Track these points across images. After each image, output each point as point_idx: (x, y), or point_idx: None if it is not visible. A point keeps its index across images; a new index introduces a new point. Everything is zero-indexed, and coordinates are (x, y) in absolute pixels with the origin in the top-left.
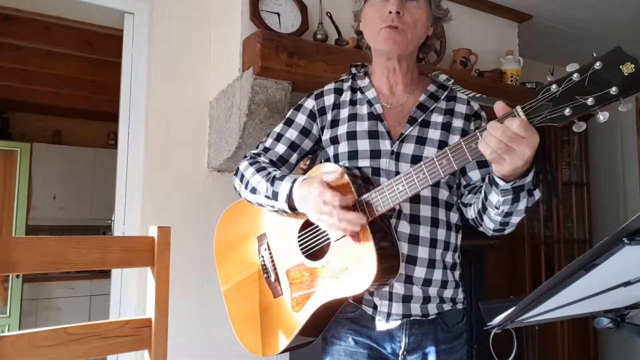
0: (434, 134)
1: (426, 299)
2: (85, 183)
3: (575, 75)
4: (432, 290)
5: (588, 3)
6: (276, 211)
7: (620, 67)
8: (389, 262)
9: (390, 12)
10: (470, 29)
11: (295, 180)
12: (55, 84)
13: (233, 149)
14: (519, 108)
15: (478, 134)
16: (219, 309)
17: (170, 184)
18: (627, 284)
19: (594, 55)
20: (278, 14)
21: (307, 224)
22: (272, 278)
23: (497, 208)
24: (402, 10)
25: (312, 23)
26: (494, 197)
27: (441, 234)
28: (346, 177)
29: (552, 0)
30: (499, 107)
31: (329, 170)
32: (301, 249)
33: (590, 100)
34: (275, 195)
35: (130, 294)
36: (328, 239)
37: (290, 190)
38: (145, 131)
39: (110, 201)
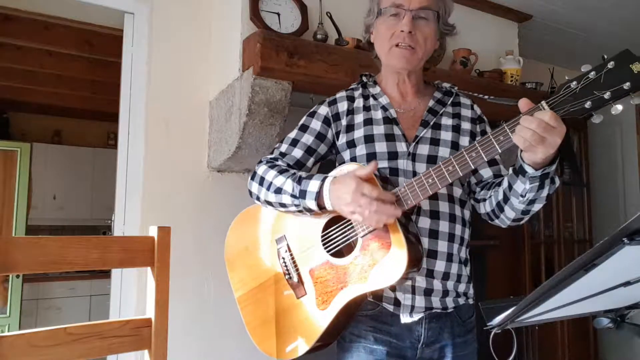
0: (446, 135)
1: (445, 293)
2: (85, 183)
3: (591, 73)
4: (450, 284)
5: (588, 3)
6: (300, 211)
7: (630, 66)
8: (416, 254)
9: (402, 31)
10: (470, 29)
11: (324, 178)
12: (55, 84)
13: (233, 149)
14: (544, 102)
15: (506, 127)
16: (219, 308)
17: (170, 184)
18: (627, 284)
19: (605, 56)
20: (278, 14)
21: (331, 223)
22: (295, 279)
23: (523, 196)
24: (413, 29)
25: (312, 23)
26: (520, 186)
27: (458, 229)
28: (373, 174)
29: (552, 0)
30: (524, 103)
31: (358, 167)
32: (325, 248)
33: (607, 95)
34: (303, 194)
35: (130, 294)
36: (354, 235)
37: (320, 188)
38: (145, 131)
39: (110, 201)
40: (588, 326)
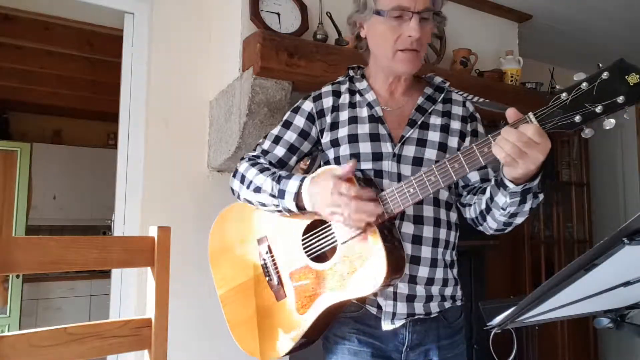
0: (434, 136)
1: (429, 298)
2: (85, 183)
3: (584, 84)
4: (435, 289)
5: (588, 3)
6: (279, 211)
7: (626, 77)
8: (396, 262)
9: (409, 36)
10: (470, 29)
11: (303, 178)
12: (55, 84)
13: (233, 149)
14: (531, 114)
15: (490, 138)
16: (219, 308)
17: (170, 184)
18: (627, 284)
19: (600, 65)
20: (278, 14)
21: (311, 227)
22: (275, 281)
23: (504, 209)
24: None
25: (312, 23)
26: (501, 199)
27: (442, 233)
28: (354, 177)
29: (552, 0)
30: (511, 113)
31: (338, 167)
32: (305, 252)
33: (599, 109)
34: (282, 194)
35: (130, 294)
36: (334, 241)
37: (299, 189)
38: (145, 131)
39: (110, 201)
40: (588, 326)
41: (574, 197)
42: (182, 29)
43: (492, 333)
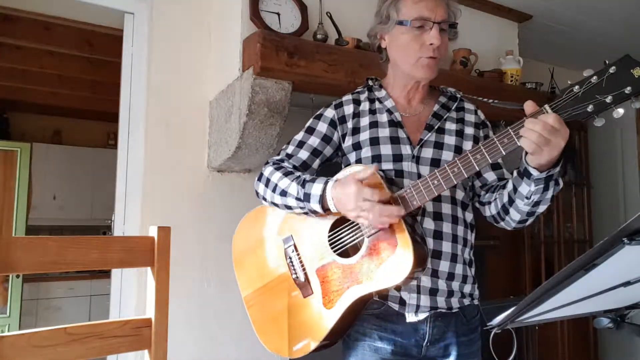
0: (450, 139)
1: (450, 293)
2: (85, 183)
3: (593, 78)
4: (455, 285)
5: (588, 3)
6: (305, 213)
7: (631, 71)
8: (421, 254)
9: (431, 44)
10: (470, 29)
11: (327, 181)
12: (55, 84)
13: (233, 149)
14: (547, 106)
15: (510, 130)
16: (219, 308)
17: (170, 184)
18: (627, 284)
19: (606, 62)
20: (278, 14)
21: (337, 224)
22: (302, 278)
23: (528, 198)
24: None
25: (312, 23)
26: (525, 188)
27: (460, 230)
28: (378, 174)
29: (552, 0)
30: (529, 105)
31: (361, 169)
32: (332, 248)
33: (609, 99)
34: (307, 197)
35: (130, 294)
36: (361, 236)
37: (323, 191)
38: (145, 131)
39: (110, 201)
40: (588, 326)
41: (574, 197)
42: (182, 29)
43: (492, 333)
